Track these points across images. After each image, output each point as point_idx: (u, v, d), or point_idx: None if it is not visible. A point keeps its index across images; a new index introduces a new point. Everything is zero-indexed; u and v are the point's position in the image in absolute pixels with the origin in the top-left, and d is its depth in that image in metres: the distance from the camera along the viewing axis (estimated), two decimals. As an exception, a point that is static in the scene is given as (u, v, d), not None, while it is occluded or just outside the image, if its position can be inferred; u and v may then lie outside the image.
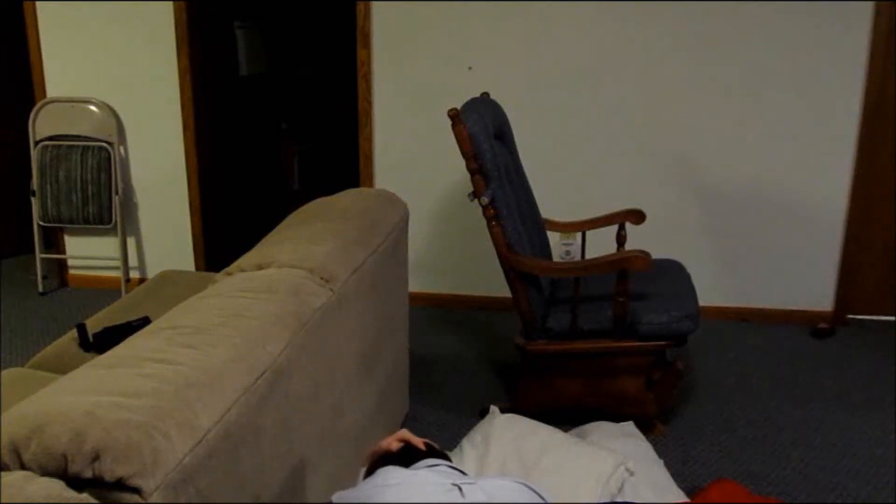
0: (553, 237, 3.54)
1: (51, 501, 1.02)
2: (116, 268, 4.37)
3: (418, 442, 1.40)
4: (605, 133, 3.88)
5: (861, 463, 2.76)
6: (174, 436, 1.18)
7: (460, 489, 1.15)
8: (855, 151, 3.73)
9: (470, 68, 3.89)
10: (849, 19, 3.59)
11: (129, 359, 1.38)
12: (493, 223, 2.81)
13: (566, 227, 3.50)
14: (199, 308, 1.62)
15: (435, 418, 3.04)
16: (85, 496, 1.06)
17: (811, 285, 3.90)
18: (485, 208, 2.79)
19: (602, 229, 3.44)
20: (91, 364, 1.39)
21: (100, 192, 4.22)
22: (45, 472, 1.08)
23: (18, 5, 4.18)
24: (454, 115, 2.72)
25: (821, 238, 3.84)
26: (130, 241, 4.39)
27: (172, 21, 4.04)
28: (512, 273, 2.82)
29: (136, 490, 1.09)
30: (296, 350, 1.62)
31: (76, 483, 1.08)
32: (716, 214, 3.89)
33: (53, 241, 4.46)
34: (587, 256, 3.49)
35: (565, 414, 2.90)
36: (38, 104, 4.23)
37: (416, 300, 4.08)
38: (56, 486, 1.05)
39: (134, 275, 4.43)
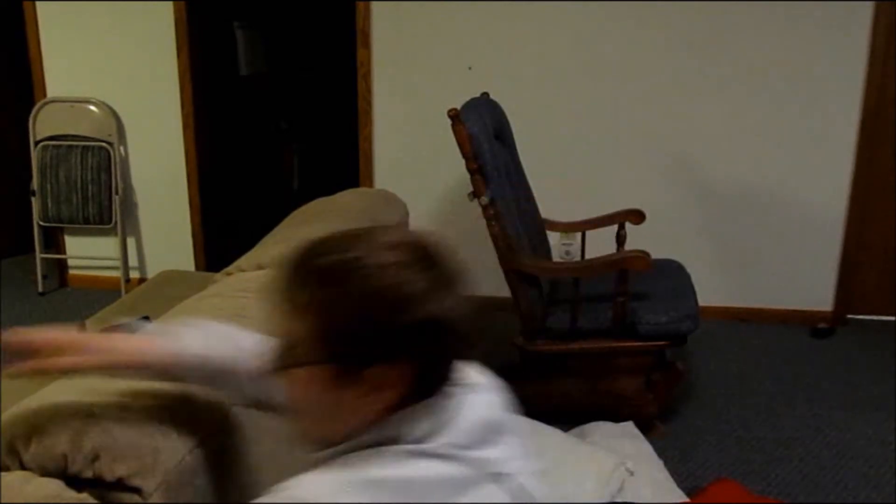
0: (553, 237, 3.54)
1: (51, 501, 1.02)
2: (116, 268, 4.36)
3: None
4: (605, 133, 3.87)
5: (861, 463, 2.76)
6: (174, 436, 1.18)
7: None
8: (855, 151, 3.73)
9: (470, 68, 3.89)
10: (849, 19, 3.59)
11: (128, 359, 1.38)
12: (493, 223, 2.81)
13: (566, 227, 3.50)
14: (199, 308, 1.62)
15: (435, 418, 3.04)
16: (85, 496, 1.06)
17: (811, 285, 3.90)
18: (485, 208, 2.79)
19: (602, 229, 3.44)
20: (91, 364, 1.39)
21: (100, 192, 4.22)
22: (45, 472, 1.08)
23: (18, 5, 4.18)
24: (454, 115, 2.71)
25: (821, 238, 3.84)
26: (130, 241, 4.39)
27: (172, 21, 4.04)
28: (512, 273, 2.82)
29: (136, 490, 1.09)
30: (296, 350, 1.62)
31: (76, 483, 1.08)
32: (716, 214, 3.89)
33: (53, 241, 4.46)
34: (587, 256, 3.48)
35: (565, 414, 2.90)
36: (38, 104, 4.23)
37: (416, 300, 4.07)
38: (56, 486, 1.05)
39: (134, 275, 4.42)
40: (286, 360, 0.96)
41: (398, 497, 0.92)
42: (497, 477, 1.02)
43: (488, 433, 1.04)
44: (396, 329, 0.92)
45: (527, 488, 1.07)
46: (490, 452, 1.02)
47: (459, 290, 0.98)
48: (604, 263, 2.74)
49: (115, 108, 4.21)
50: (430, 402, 0.98)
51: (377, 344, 0.92)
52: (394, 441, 0.95)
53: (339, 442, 0.97)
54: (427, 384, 0.97)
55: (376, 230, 0.99)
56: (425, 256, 0.96)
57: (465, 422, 1.01)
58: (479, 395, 1.07)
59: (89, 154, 4.20)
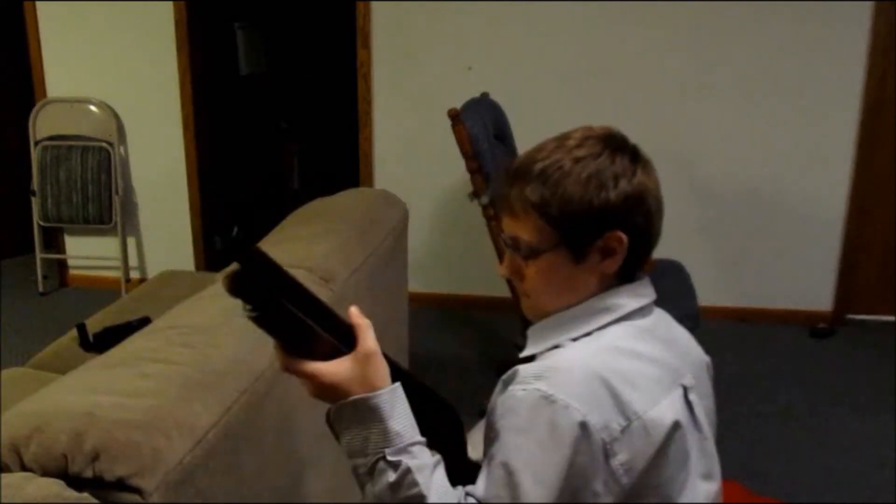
0: (553, 237, 3.54)
1: (51, 501, 1.02)
2: (116, 268, 4.37)
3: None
4: (604, 133, 3.87)
5: (861, 463, 2.76)
6: (174, 436, 1.18)
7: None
8: (854, 151, 3.73)
9: (470, 68, 3.89)
10: (849, 19, 3.59)
11: (129, 359, 1.38)
12: (493, 223, 2.81)
13: (566, 227, 3.49)
14: (199, 308, 1.63)
15: (435, 418, 3.04)
16: (85, 496, 1.06)
17: (810, 285, 3.90)
18: (485, 208, 2.79)
19: (602, 229, 3.44)
20: (91, 364, 1.39)
21: (100, 192, 4.22)
22: (45, 472, 1.08)
23: (18, 5, 4.18)
24: (454, 115, 2.72)
25: (820, 238, 3.84)
26: (130, 241, 4.39)
27: (172, 21, 4.04)
28: (512, 273, 2.82)
29: (136, 490, 1.09)
30: (296, 350, 1.62)
31: (76, 483, 1.08)
32: (716, 214, 3.89)
33: (53, 241, 4.46)
34: (587, 256, 3.48)
35: (565, 414, 2.90)
36: (38, 104, 4.23)
37: (416, 300, 4.06)
38: (56, 486, 1.05)
39: (134, 275, 4.42)
40: (525, 254, 1.16)
41: (630, 364, 1.12)
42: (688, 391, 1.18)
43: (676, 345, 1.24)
44: (609, 204, 1.11)
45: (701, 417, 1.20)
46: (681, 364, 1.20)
47: (647, 166, 1.16)
48: (604, 263, 2.74)
49: (115, 108, 4.21)
50: (637, 284, 1.18)
51: (595, 220, 1.12)
52: (609, 311, 1.15)
53: (561, 310, 1.17)
54: (638, 255, 1.15)
55: (564, 138, 1.17)
56: (609, 145, 1.14)
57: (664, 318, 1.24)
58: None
59: (89, 154, 4.20)
